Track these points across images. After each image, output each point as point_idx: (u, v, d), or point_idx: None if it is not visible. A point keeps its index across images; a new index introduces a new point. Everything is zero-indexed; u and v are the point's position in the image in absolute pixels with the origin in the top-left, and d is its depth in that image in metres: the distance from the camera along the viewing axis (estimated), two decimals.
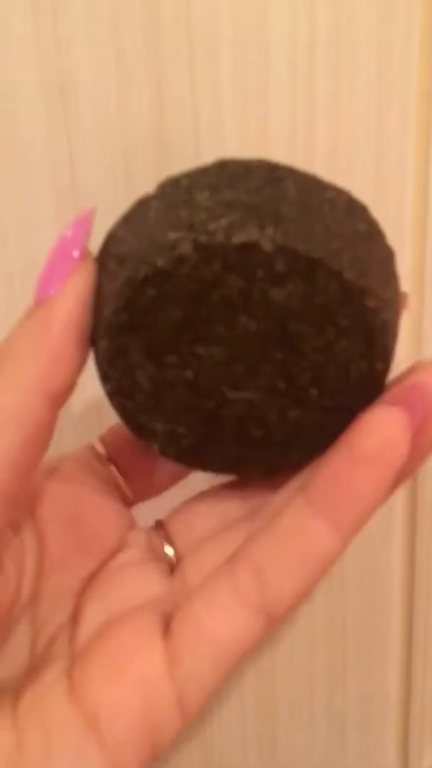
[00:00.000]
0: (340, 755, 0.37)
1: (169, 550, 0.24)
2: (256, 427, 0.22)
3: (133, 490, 0.26)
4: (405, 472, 0.21)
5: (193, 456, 0.23)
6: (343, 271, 0.20)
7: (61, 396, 0.21)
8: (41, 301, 0.21)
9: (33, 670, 0.22)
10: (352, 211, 0.21)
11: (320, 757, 0.37)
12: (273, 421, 0.22)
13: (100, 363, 0.21)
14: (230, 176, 0.21)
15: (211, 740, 0.36)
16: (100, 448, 0.26)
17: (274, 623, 0.21)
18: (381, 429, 0.20)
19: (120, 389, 0.21)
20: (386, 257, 0.22)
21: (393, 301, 0.21)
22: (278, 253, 0.19)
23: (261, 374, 0.21)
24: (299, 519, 0.20)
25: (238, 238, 0.19)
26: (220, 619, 0.20)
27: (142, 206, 0.21)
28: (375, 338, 0.20)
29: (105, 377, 0.21)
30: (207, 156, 0.26)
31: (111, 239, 0.22)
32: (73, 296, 0.20)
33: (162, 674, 0.20)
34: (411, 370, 0.21)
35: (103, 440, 0.26)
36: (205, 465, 0.23)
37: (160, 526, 0.25)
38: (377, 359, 0.21)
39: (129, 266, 0.20)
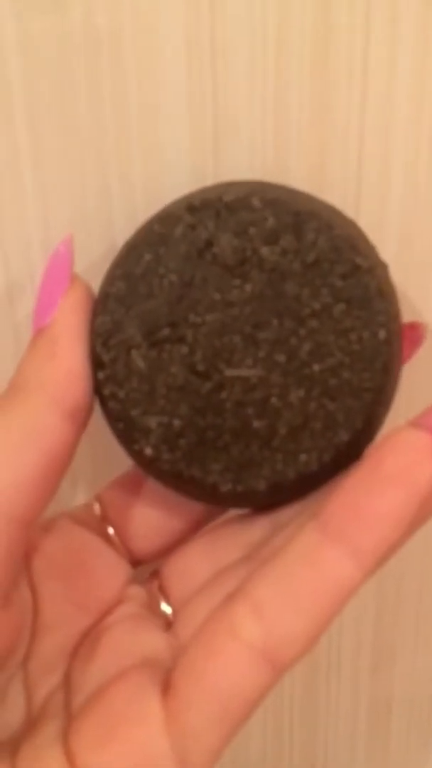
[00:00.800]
0: None
1: (166, 608, 0.23)
2: (257, 416, 0.20)
3: (134, 549, 0.24)
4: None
5: (192, 460, 0.20)
6: (332, 225, 0.20)
7: (78, 413, 0.20)
8: (42, 329, 0.21)
9: (30, 727, 0.21)
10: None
11: None
12: (275, 406, 0.20)
13: (95, 348, 0.20)
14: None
15: None
16: (97, 508, 0.25)
17: (281, 668, 0.18)
18: (405, 448, 0.18)
19: (113, 375, 0.20)
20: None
21: (385, 268, 0.21)
22: (268, 208, 0.20)
23: (259, 346, 0.20)
24: (312, 548, 0.18)
25: (228, 197, 0.20)
26: (218, 668, 0.18)
27: None
28: (371, 300, 0.20)
29: (99, 364, 0.20)
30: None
31: None
32: (70, 312, 0.21)
33: (159, 734, 0.19)
34: None
35: (100, 499, 0.25)
36: (205, 473, 0.20)
37: (155, 575, 0.24)
38: (379, 326, 0.20)
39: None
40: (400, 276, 0.25)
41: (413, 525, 0.19)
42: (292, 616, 0.18)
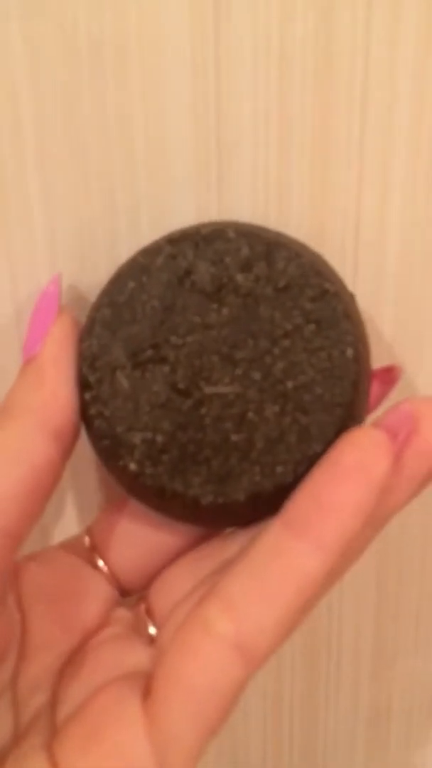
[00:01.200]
0: None
1: (152, 630, 0.23)
2: (236, 431, 0.21)
3: (123, 581, 0.25)
4: (396, 501, 0.20)
5: (174, 474, 0.21)
6: (300, 254, 0.21)
7: (64, 434, 0.21)
8: (30, 358, 0.22)
9: (15, 744, 0.21)
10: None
11: None
12: (253, 421, 0.21)
13: (82, 370, 0.22)
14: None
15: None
16: (87, 540, 0.25)
17: (255, 661, 0.19)
18: (360, 444, 0.20)
19: (99, 396, 0.21)
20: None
21: (353, 297, 0.22)
22: (242, 238, 0.21)
23: (236, 365, 0.21)
24: (277, 542, 0.19)
25: (205, 229, 0.21)
26: (193, 665, 0.19)
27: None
28: (339, 321, 0.21)
29: (86, 385, 0.22)
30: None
31: None
32: (57, 341, 0.22)
33: (139, 738, 0.19)
34: (398, 403, 0.21)
35: (89, 531, 0.26)
36: (187, 486, 0.21)
37: (142, 599, 0.24)
38: (347, 345, 0.21)
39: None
40: (397, 326, 0.26)
41: (377, 519, 0.20)
42: (262, 609, 0.19)
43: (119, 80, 0.22)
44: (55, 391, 0.22)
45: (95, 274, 0.24)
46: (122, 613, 0.24)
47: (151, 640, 0.23)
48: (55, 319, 0.22)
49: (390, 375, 0.24)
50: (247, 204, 0.24)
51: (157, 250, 0.21)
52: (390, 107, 0.23)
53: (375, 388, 0.23)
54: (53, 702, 0.22)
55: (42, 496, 0.21)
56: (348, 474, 0.19)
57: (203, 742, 0.19)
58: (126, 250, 0.24)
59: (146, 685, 0.20)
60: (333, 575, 0.21)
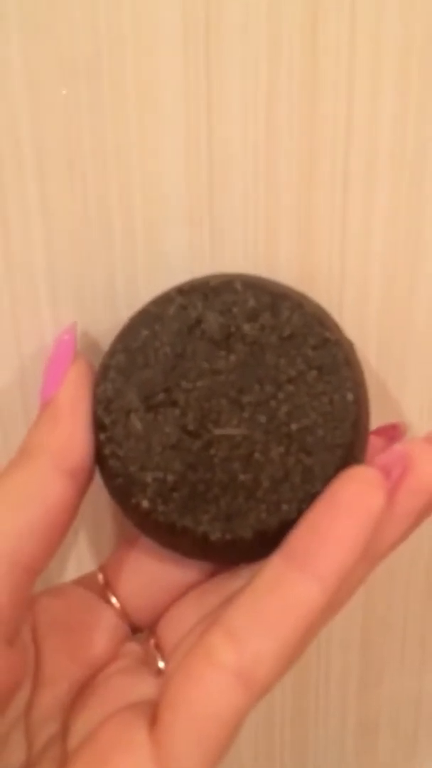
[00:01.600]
0: None
1: (161, 663, 0.24)
2: (243, 470, 0.22)
3: (134, 619, 0.26)
4: (392, 537, 0.21)
5: (184, 511, 0.22)
6: (303, 304, 0.22)
7: (80, 473, 0.23)
8: (47, 401, 0.23)
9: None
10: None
11: None
12: (259, 461, 0.22)
13: (97, 412, 0.23)
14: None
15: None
16: (101, 578, 0.26)
17: (256, 689, 0.19)
18: (358, 481, 0.21)
19: (114, 437, 0.23)
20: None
21: (351, 345, 0.24)
22: (248, 290, 0.23)
23: (243, 408, 0.23)
24: (278, 574, 0.20)
25: (214, 282, 0.23)
26: (196, 692, 0.19)
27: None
28: (339, 367, 0.22)
29: (101, 426, 0.23)
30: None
31: None
32: (73, 385, 0.23)
33: (145, 763, 0.20)
34: (393, 444, 0.23)
35: (103, 569, 0.27)
36: (196, 523, 0.22)
37: (152, 634, 0.25)
38: (347, 389, 0.22)
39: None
40: (380, 366, 0.27)
41: (374, 554, 0.22)
42: (263, 638, 0.19)
43: (119, 125, 0.23)
44: (71, 432, 0.23)
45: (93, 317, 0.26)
46: (132, 647, 0.25)
47: (160, 673, 0.24)
48: (72, 363, 0.23)
49: (395, 431, 0.25)
50: (238, 238, 0.25)
51: (168, 300, 0.23)
52: (373, 151, 0.24)
53: (380, 443, 0.25)
54: (64, 732, 0.23)
55: (58, 532, 0.22)
56: (345, 509, 0.20)
57: (210, 760, 0.20)
58: (123, 284, 0.25)
59: (153, 712, 0.21)
60: (331, 608, 0.22)
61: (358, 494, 0.20)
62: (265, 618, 0.20)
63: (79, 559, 0.30)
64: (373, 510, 0.20)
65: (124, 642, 0.25)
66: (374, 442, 0.25)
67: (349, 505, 0.20)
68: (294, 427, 0.22)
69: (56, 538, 0.22)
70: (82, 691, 0.24)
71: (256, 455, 0.22)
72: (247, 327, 0.22)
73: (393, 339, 0.27)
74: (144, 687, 0.23)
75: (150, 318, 0.23)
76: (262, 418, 0.22)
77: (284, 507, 0.22)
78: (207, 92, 0.23)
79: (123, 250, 0.25)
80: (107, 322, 0.25)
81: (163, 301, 0.23)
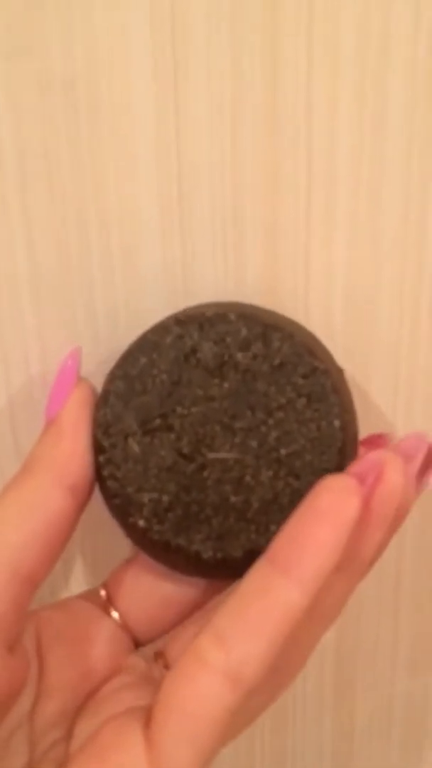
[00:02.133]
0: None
1: None
2: (234, 493, 0.24)
3: (135, 632, 0.27)
4: (370, 544, 0.22)
5: (178, 531, 0.24)
6: (293, 335, 0.24)
7: (79, 489, 0.24)
8: (51, 420, 0.24)
9: None
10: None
11: None
12: (249, 484, 0.24)
13: (97, 436, 0.24)
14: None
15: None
16: (103, 593, 0.27)
17: (243, 688, 0.20)
18: (332, 488, 0.22)
19: (112, 459, 0.24)
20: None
21: (341, 371, 0.25)
22: (241, 320, 0.24)
23: (235, 433, 0.24)
24: (262, 579, 0.21)
25: (209, 312, 0.24)
26: (186, 690, 0.21)
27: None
28: (327, 396, 0.24)
29: (100, 449, 0.24)
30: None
31: None
32: (76, 406, 0.24)
33: (140, 760, 0.21)
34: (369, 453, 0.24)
35: (105, 585, 0.27)
36: (189, 542, 0.24)
37: (160, 655, 0.26)
38: (335, 416, 0.24)
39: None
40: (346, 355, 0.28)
41: (358, 562, 0.23)
42: (249, 640, 0.20)
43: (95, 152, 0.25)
44: (72, 450, 0.24)
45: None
46: (136, 662, 0.26)
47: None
48: (75, 386, 0.25)
49: (381, 441, 0.27)
50: (207, 261, 0.27)
51: (166, 330, 0.24)
52: (332, 172, 0.26)
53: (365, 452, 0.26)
54: (68, 738, 0.24)
55: (57, 544, 0.23)
56: (323, 516, 0.21)
57: (199, 764, 0.21)
58: (103, 309, 0.27)
59: (147, 715, 0.22)
60: (322, 622, 0.24)
61: (334, 502, 0.21)
62: (250, 621, 0.21)
63: (85, 575, 0.31)
64: (349, 515, 0.21)
65: (126, 654, 0.26)
66: (361, 452, 0.26)
67: (326, 513, 0.21)
68: (283, 452, 0.24)
69: (56, 550, 0.23)
70: (86, 702, 0.25)
71: (247, 478, 0.24)
72: (239, 356, 0.24)
73: (356, 348, 0.28)
74: (142, 694, 0.24)
75: (148, 346, 0.24)
76: (253, 443, 0.24)
77: (273, 528, 0.23)
78: (175, 120, 0.25)
79: (103, 278, 0.26)
80: (90, 346, 0.27)
81: (161, 330, 0.24)
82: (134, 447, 0.24)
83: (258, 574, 0.21)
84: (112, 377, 0.24)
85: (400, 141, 0.26)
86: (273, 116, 0.25)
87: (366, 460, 0.23)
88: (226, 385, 0.24)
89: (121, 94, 0.24)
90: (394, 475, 0.22)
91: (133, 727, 0.21)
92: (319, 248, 0.27)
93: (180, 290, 0.27)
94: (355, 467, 0.23)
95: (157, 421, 0.24)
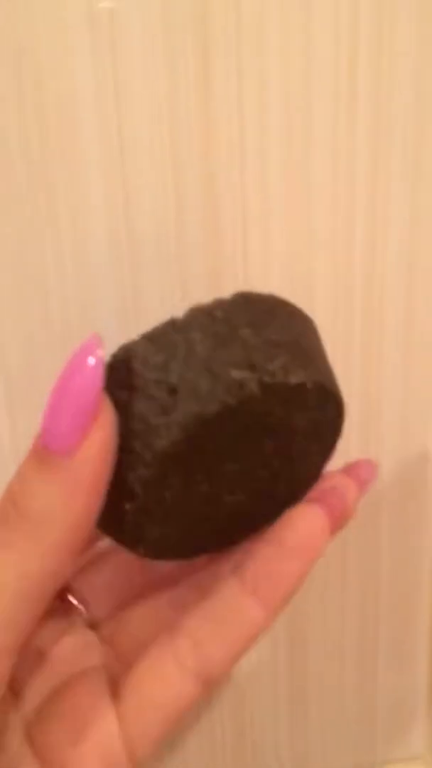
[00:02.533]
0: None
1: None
2: (234, 522, 0.25)
3: (92, 613, 0.28)
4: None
5: (169, 552, 0.24)
6: (342, 401, 0.23)
7: (81, 550, 0.21)
8: (59, 451, 0.19)
9: None
10: (312, 327, 0.24)
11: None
12: (250, 513, 0.25)
13: (130, 484, 0.21)
14: (259, 312, 0.22)
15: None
16: None
17: (210, 685, 0.24)
18: (304, 524, 0.24)
19: (143, 507, 0.21)
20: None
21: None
22: (314, 389, 0.22)
23: (257, 480, 0.23)
24: (235, 599, 0.24)
25: (293, 379, 0.21)
26: (164, 686, 0.23)
27: (176, 333, 0.21)
28: (336, 441, 0.25)
29: (129, 497, 0.20)
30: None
31: (139, 360, 0.21)
32: (98, 454, 0.19)
33: (116, 734, 0.23)
34: (333, 474, 0.26)
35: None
36: (176, 557, 0.25)
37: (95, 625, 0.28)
38: (326, 456, 0.25)
39: (189, 400, 0.20)
40: None
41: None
42: (219, 648, 0.24)
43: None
44: (86, 511, 0.20)
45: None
46: (55, 604, 0.27)
47: (93, 625, 0.27)
48: (99, 410, 0.19)
49: (369, 467, 0.28)
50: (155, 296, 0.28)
51: (249, 397, 0.21)
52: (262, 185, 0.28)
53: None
54: (14, 699, 0.24)
55: (46, 603, 0.21)
56: (293, 552, 0.24)
57: (165, 735, 0.24)
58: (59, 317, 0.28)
59: (113, 685, 0.24)
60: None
61: (306, 537, 0.24)
62: (222, 632, 0.24)
63: None
64: (318, 550, 0.24)
65: (72, 624, 0.27)
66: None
67: (298, 549, 0.24)
68: (281, 487, 0.24)
69: (44, 605, 0.21)
70: (25, 657, 0.24)
71: (251, 509, 0.24)
72: (296, 418, 0.22)
73: None
74: (91, 654, 0.26)
75: (227, 413, 0.21)
76: (267, 486, 0.24)
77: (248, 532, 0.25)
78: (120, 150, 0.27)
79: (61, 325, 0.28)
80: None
81: (243, 395, 0.21)
82: (168, 500, 0.22)
83: (230, 590, 0.24)
84: (174, 442, 0.20)
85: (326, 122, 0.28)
86: (207, 130, 0.27)
87: (333, 492, 0.25)
88: (271, 443, 0.23)
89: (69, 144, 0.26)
90: (354, 505, 0.25)
91: (100, 695, 0.24)
92: (257, 253, 0.29)
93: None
94: (323, 493, 0.25)
95: (199, 477, 0.22)
